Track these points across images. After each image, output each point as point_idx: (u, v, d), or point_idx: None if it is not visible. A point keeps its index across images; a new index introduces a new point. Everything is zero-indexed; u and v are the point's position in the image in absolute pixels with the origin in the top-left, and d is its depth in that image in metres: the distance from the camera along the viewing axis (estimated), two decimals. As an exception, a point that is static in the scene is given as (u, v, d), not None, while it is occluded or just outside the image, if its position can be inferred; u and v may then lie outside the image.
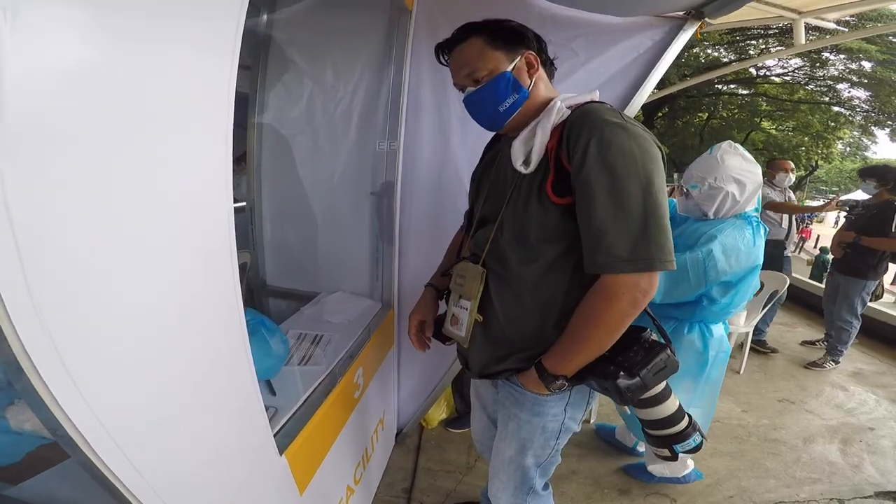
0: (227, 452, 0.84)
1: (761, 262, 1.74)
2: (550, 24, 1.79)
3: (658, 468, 2.14)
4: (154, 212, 0.61)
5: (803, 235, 12.55)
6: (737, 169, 1.73)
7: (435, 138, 1.96)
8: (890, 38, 12.91)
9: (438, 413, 2.50)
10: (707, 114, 17.66)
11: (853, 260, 3.48)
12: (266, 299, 2.21)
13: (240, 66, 0.69)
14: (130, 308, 0.59)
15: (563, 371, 0.98)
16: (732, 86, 16.23)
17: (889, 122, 16.26)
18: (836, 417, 3.00)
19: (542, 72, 1.08)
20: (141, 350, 0.62)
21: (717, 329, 1.84)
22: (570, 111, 0.99)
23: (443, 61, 1.13)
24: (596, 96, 1.06)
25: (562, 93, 1.09)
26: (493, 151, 1.23)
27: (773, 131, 18.77)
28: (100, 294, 0.55)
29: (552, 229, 0.97)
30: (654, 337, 1.01)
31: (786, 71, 15.42)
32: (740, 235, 1.69)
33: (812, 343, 4.23)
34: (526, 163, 1.00)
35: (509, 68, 1.03)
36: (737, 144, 1.81)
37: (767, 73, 15.65)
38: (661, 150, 0.94)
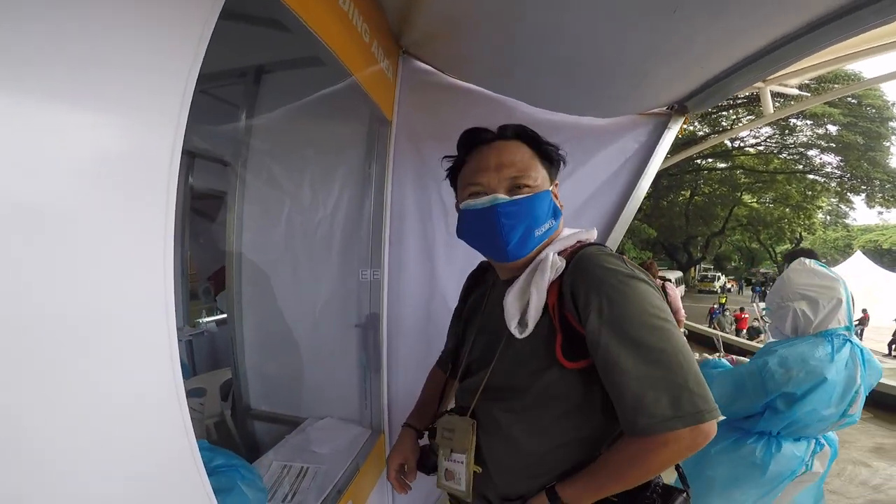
0: None
1: (837, 379, 1.62)
2: (534, 128, 1.79)
3: None
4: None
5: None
6: (804, 286, 1.70)
7: (421, 264, 1.86)
8: (849, 99, 13.88)
9: None
10: (690, 191, 18.38)
11: None
12: (250, 422, 2.05)
13: (218, 162, 0.60)
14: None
15: (579, 503, 0.85)
16: (710, 160, 17.07)
17: (863, 187, 16.96)
18: (863, 496, 2.95)
19: None
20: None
21: (789, 447, 1.70)
22: (563, 262, 0.86)
23: (455, 162, 1.00)
24: (593, 236, 0.96)
25: None
26: (479, 292, 1.09)
27: (755, 205, 19.47)
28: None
29: (562, 392, 0.85)
30: (663, 482, 0.90)
31: (758, 140, 16.34)
32: (811, 349, 1.63)
33: None
34: (522, 324, 0.86)
35: (549, 188, 0.93)
36: (810, 260, 1.79)
37: (742, 145, 16.54)
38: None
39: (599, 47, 1.39)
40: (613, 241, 1.87)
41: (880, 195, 17.11)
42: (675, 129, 1.82)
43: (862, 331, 13.92)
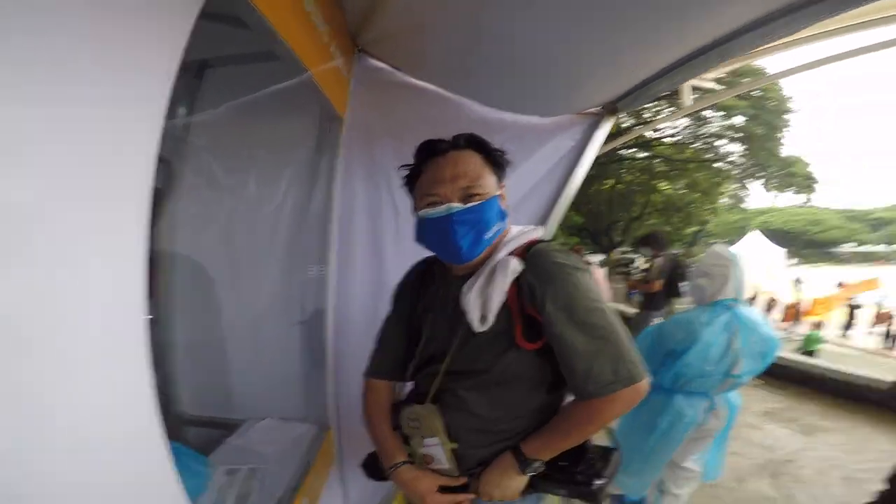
0: None
1: (712, 340, 1.96)
2: (482, 126, 1.80)
3: None
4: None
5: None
6: (705, 265, 2.06)
7: (369, 262, 1.87)
8: (755, 93, 15.34)
9: None
10: (614, 179, 19.42)
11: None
12: (183, 429, 1.93)
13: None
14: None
15: (542, 456, 1.00)
16: (632, 150, 18.13)
17: (760, 174, 19.02)
18: (759, 455, 3.30)
19: None
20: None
21: (680, 401, 2.05)
22: (521, 264, 0.97)
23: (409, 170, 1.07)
24: (540, 233, 1.07)
25: None
26: (431, 291, 1.15)
27: (670, 191, 21.01)
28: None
29: (520, 370, 1.00)
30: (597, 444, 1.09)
31: (676, 131, 17.59)
32: (697, 315, 2.00)
33: None
34: (483, 320, 0.96)
35: (497, 193, 1.02)
36: (720, 246, 2.16)
37: (660, 136, 17.72)
38: None
39: (545, 52, 1.48)
40: (549, 231, 1.98)
41: (774, 181, 19.35)
42: (606, 128, 1.95)
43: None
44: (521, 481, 1.02)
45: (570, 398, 1.03)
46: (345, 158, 1.79)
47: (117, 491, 0.62)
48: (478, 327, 0.96)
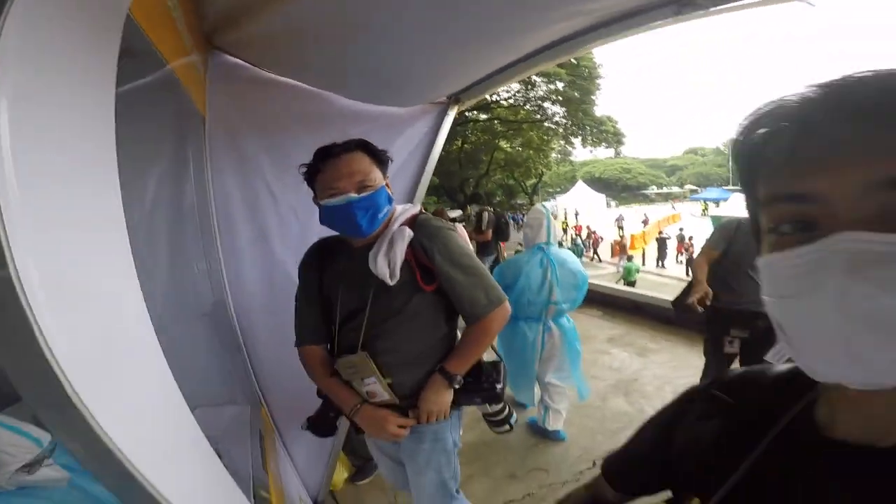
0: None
1: (531, 273, 2.80)
2: (351, 119, 2.03)
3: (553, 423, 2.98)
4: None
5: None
6: (528, 217, 2.93)
7: (257, 247, 2.00)
8: (571, 61, 17.43)
9: (340, 475, 2.54)
10: (461, 140, 20.56)
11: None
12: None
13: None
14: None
15: (460, 371, 1.34)
16: (475, 112, 19.33)
17: (579, 132, 22.05)
18: (612, 377, 3.92)
19: None
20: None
21: (522, 325, 2.89)
22: (410, 231, 1.30)
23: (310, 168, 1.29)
24: (417, 209, 1.42)
25: None
26: (334, 267, 1.41)
27: (509, 149, 23.05)
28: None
29: (424, 308, 1.34)
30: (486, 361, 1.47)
31: (510, 94, 19.19)
32: (523, 256, 2.90)
33: None
34: (392, 276, 1.26)
35: (384, 183, 1.30)
36: (539, 203, 2.90)
37: (498, 98, 19.16)
38: None
39: (398, 53, 1.66)
40: (418, 202, 2.31)
41: (590, 137, 22.64)
42: (452, 115, 2.29)
43: (590, 244, 18.48)
44: (450, 395, 1.34)
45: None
46: (212, 154, 1.87)
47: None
48: (390, 281, 1.26)
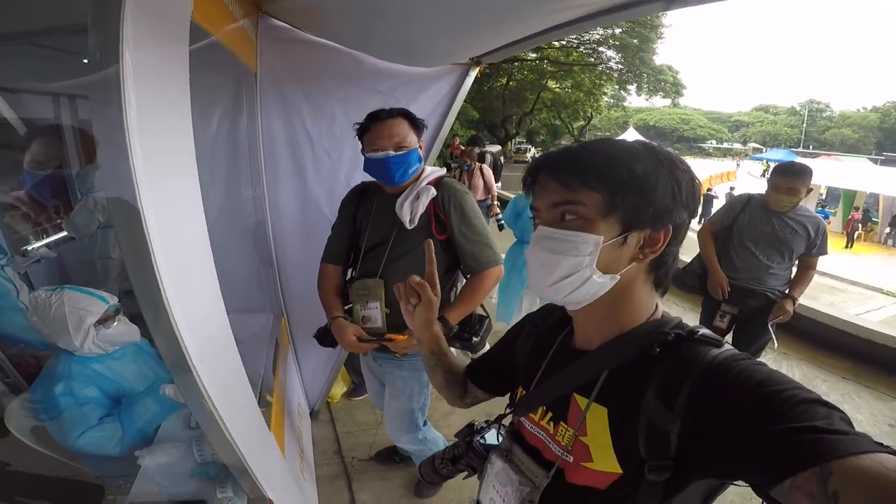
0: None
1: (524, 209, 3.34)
2: (378, 76, 2.28)
3: None
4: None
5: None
6: None
7: (294, 180, 2.36)
8: None
9: (339, 389, 3.01)
10: (506, 77, 19.90)
11: None
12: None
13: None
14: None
15: (455, 320, 1.60)
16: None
17: (635, 80, 20.89)
18: None
19: None
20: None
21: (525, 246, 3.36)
22: (434, 190, 1.59)
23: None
24: (443, 172, 1.70)
25: None
26: (365, 206, 1.73)
27: (558, 90, 22.14)
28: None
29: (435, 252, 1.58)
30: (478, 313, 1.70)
31: (562, 35, 18.26)
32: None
33: None
34: (412, 221, 1.58)
35: (417, 146, 1.60)
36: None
37: (549, 38, 18.26)
38: None
39: (431, 17, 1.77)
40: (434, 154, 2.56)
41: (646, 85, 21.45)
42: (472, 75, 2.48)
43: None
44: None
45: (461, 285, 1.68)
46: (262, 103, 2.20)
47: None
48: (408, 225, 1.57)
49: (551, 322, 0.86)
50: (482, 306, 1.76)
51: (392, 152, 1.53)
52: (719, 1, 1.48)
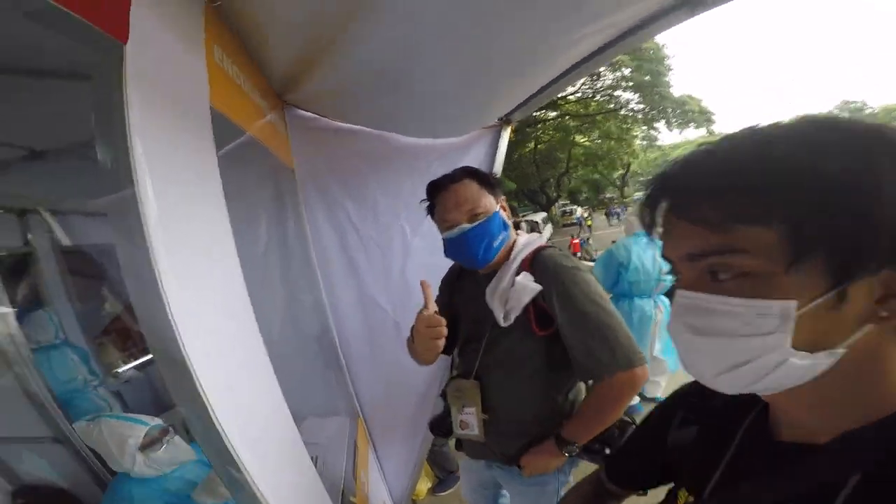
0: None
1: (642, 255, 3.30)
2: (410, 153, 2.27)
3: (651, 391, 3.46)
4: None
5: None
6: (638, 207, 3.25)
7: (349, 277, 2.30)
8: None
9: (424, 485, 2.80)
10: (533, 142, 20.43)
11: None
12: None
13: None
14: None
15: (579, 439, 1.21)
16: (543, 111, 19.15)
17: (661, 116, 20.86)
18: None
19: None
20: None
21: (638, 301, 3.31)
22: (535, 286, 1.19)
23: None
24: (543, 240, 1.34)
25: None
26: (462, 284, 1.45)
27: (587, 143, 22.41)
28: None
29: (534, 350, 1.23)
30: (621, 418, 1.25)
31: (576, 89, 18.79)
32: (628, 239, 3.45)
33: None
34: (506, 318, 1.22)
35: (497, 209, 1.25)
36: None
37: (564, 94, 18.85)
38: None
39: (450, 88, 1.80)
40: None
41: (674, 119, 21.29)
42: (506, 135, 2.45)
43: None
44: (560, 461, 1.24)
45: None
46: (304, 201, 2.20)
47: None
48: (502, 323, 1.22)
49: (719, 402, 0.59)
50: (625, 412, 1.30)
51: (467, 224, 1.21)
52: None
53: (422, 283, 1.19)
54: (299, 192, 2.18)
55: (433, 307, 1.18)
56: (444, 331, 1.17)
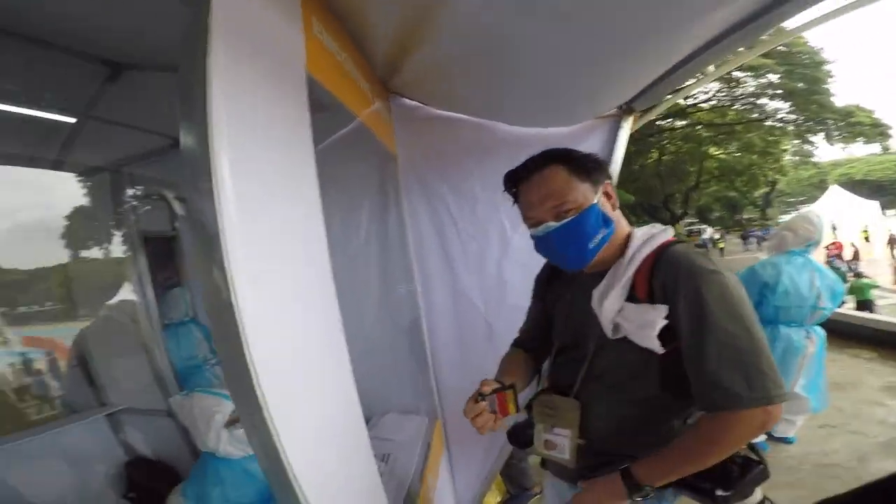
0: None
1: (796, 278, 2.78)
2: (515, 144, 2.12)
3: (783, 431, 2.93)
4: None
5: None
6: (796, 223, 2.97)
7: (444, 271, 2.23)
8: (780, 48, 14.62)
9: (493, 499, 2.60)
10: (658, 152, 18.94)
11: None
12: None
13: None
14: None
15: (654, 482, 0.97)
16: (669, 120, 17.66)
17: (819, 128, 17.95)
18: (882, 433, 3.03)
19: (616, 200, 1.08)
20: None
21: (785, 330, 2.82)
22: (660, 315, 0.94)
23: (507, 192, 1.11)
24: (669, 234, 1.06)
25: None
26: (561, 282, 1.22)
27: (723, 156, 20.17)
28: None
29: (650, 368, 0.99)
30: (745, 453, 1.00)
31: (710, 96, 17.02)
32: (780, 259, 2.89)
33: None
34: (616, 330, 1.00)
35: (595, 200, 1.01)
36: (812, 212, 3.05)
37: (695, 102, 17.18)
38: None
39: (558, 69, 1.61)
40: None
41: (836, 133, 18.19)
42: (627, 127, 2.19)
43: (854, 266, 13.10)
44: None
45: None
46: (405, 190, 2.18)
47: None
48: (611, 335, 1.00)
49: None
50: (751, 446, 1.01)
51: (553, 222, 1.00)
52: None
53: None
54: (401, 181, 2.16)
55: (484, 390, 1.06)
56: (489, 424, 1.04)
